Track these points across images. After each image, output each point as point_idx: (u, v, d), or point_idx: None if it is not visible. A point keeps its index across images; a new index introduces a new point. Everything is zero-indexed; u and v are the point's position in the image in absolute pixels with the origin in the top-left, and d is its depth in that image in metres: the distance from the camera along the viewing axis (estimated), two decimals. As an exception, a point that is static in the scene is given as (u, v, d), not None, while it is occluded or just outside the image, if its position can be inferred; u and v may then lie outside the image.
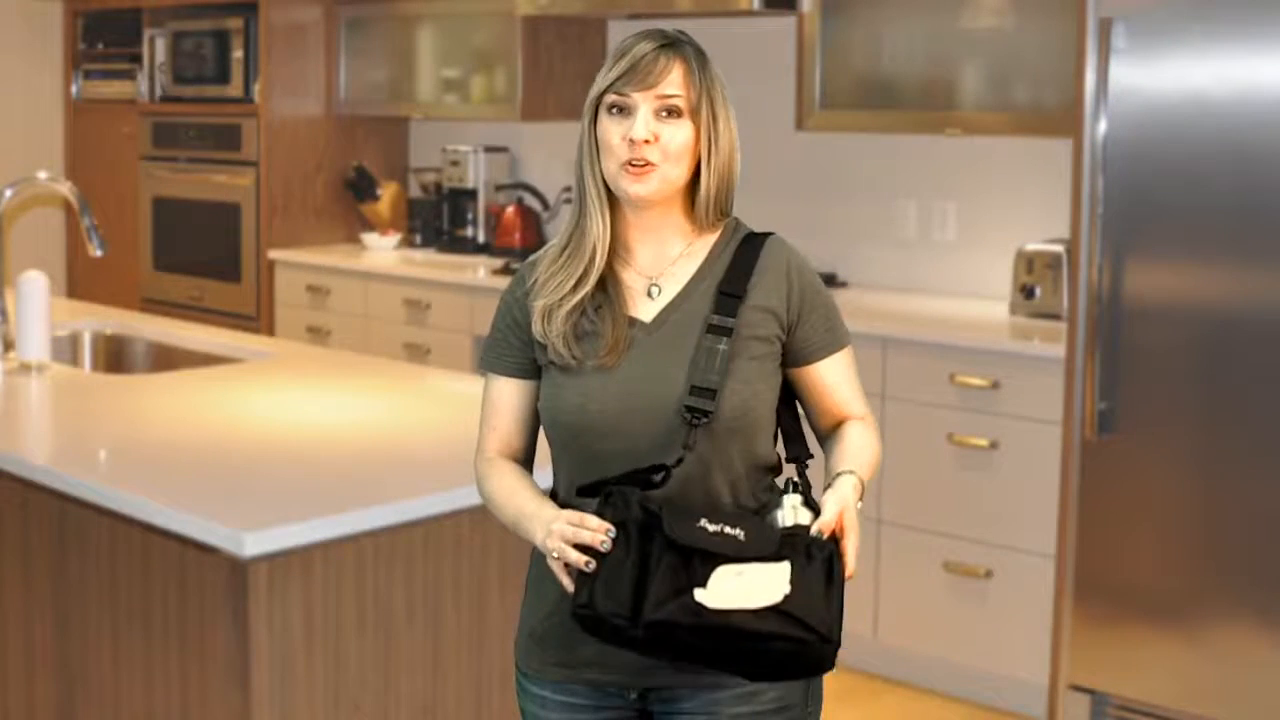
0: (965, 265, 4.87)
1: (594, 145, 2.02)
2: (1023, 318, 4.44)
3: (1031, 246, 4.46)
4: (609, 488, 1.92)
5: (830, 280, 5.06)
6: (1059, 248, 4.38)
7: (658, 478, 1.93)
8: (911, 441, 4.29)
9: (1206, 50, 3.51)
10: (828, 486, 1.99)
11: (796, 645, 1.84)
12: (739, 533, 1.89)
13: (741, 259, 2.05)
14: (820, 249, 5.12)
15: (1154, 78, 3.59)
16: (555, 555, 1.92)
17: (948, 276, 4.92)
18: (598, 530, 1.88)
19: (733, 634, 1.83)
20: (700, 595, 1.83)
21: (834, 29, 4.79)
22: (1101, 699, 3.78)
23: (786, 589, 1.83)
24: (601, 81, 2.00)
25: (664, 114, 1.99)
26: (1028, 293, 4.44)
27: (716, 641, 1.84)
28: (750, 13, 4.85)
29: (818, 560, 1.87)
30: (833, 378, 2.09)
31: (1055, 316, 4.34)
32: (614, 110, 2.00)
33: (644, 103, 1.98)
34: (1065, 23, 4.19)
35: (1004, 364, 4.11)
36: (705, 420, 1.96)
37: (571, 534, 1.90)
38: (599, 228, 2.03)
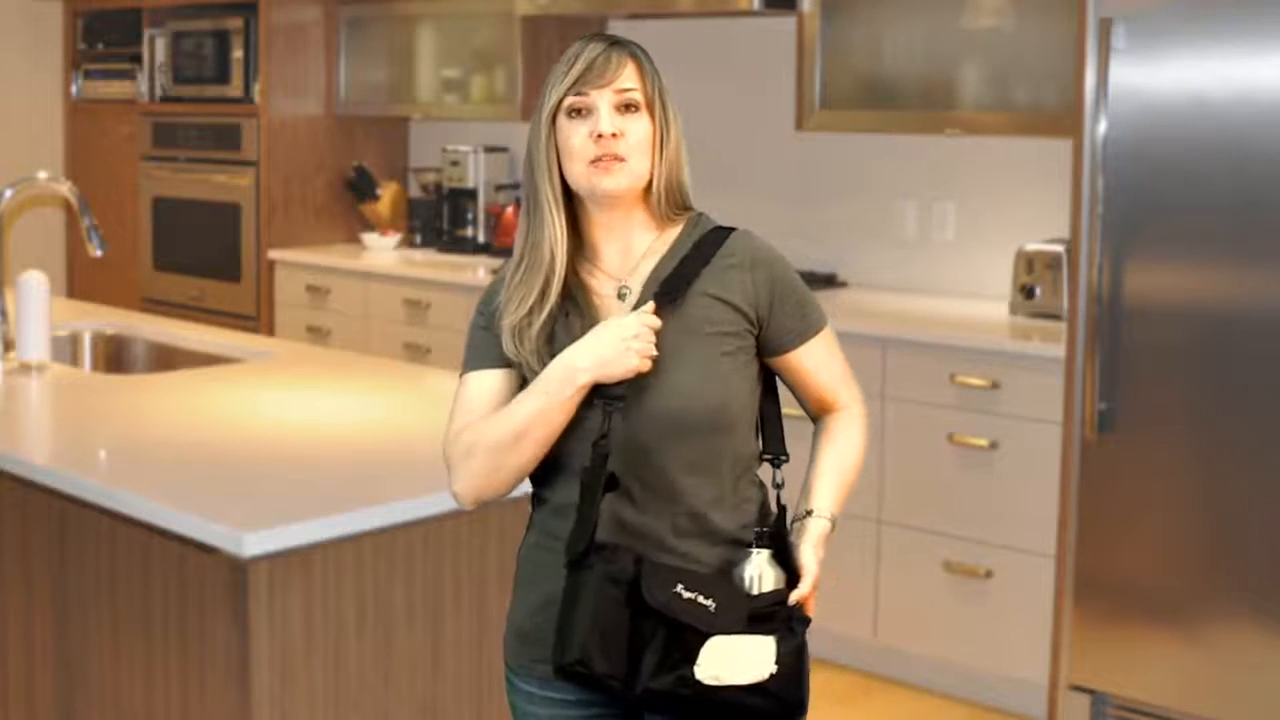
0: (965, 265, 4.87)
1: (552, 153, 2.02)
2: (1023, 318, 4.44)
3: (1031, 246, 4.46)
4: (600, 540, 1.94)
5: (830, 280, 5.06)
6: (1059, 248, 4.38)
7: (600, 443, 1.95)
8: (911, 441, 4.29)
9: (1206, 50, 3.51)
10: (803, 515, 2.04)
11: (767, 717, 1.93)
12: (710, 604, 1.92)
13: (696, 256, 2.05)
14: (820, 249, 5.13)
15: (1154, 78, 3.59)
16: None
17: (948, 276, 4.92)
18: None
19: (719, 705, 1.92)
20: (698, 673, 1.90)
21: (834, 29, 4.78)
22: (1101, 699, 3.78)
23: (773, 668, 1.91)
24: (559, 88, 2.01)
25: (623, 109, 2.01)
26: (1028, 293, 4.44)
27: (701, 707, 1.92)
28: (750, 13, 4.85)
29: (798, 635, 1.94)
30: (813, 362, 2.10)
31: (1055, 316, 4.34)
32: (573, 113, 2.01)
33: (602, 100, 2.00)
34: (1065, 23, 4.19)
35: (1004, 364, 4.11)
36: (619, 406, 1.96)
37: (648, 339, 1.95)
38: (554, 233, 2.02)
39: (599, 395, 1.97)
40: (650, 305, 1.97)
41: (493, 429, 2.01)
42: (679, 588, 1.92)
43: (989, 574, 4.18)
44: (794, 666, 1.91)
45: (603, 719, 2.08)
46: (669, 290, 2.01)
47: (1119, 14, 3.61)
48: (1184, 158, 3.57)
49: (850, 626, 4.43)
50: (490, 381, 2.08)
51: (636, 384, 1.97)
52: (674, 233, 2.09)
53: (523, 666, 2.11)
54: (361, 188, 6.21)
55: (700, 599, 1.92)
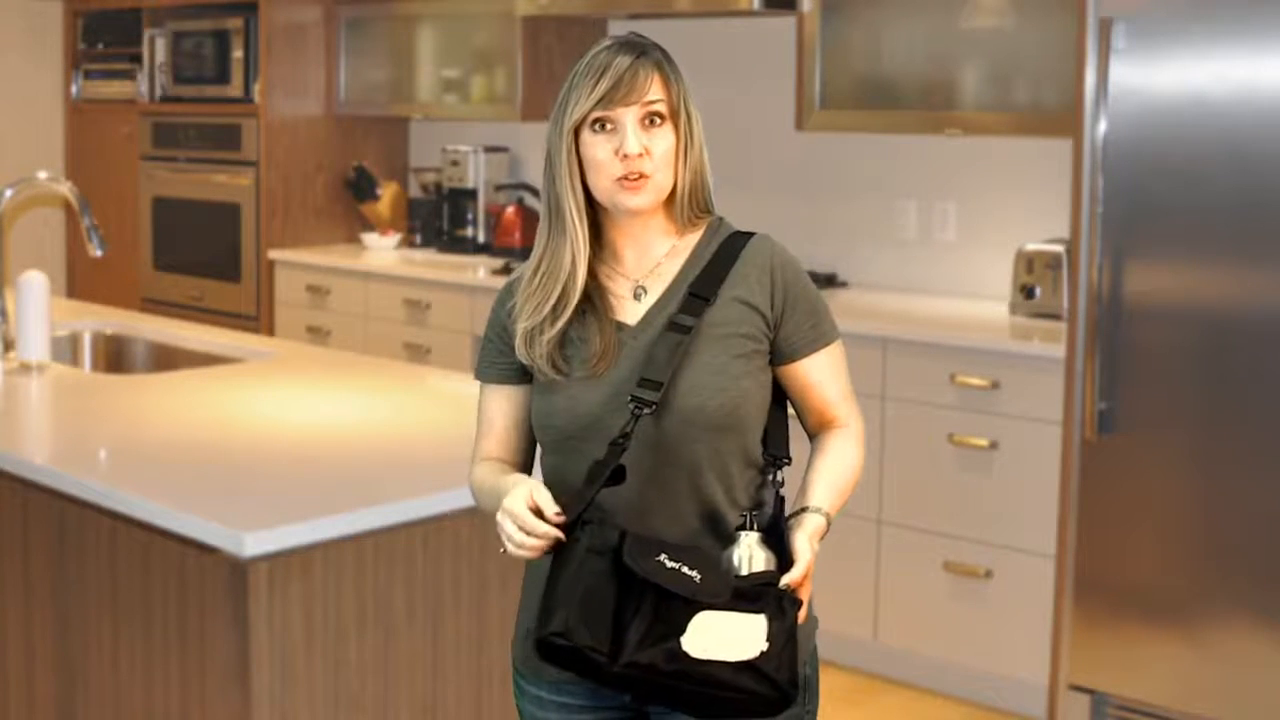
0: (965, 265, 4.87)
1: (574, 163, 2.02)
2: (1023, 318, 4.44)
3: (1031, 246, 4.47)
4: (588, 516, 1.92)
5: (830, 280, 5.06)
6: (1059, 248, 4.38)
7: (609, 473, 1.93)
8: (911, 441, 4.29)
9: (1206, 50, 3.51)
10: (798, 511, 2.02)
11: (759, 701, 1.88)
12: (695, 575, 1.90)
13: (722, 258, 2.06)
14: (820, 249, 5.13)
15: (1154, 78, 3.59)
16: (509, 548, 1.94)
17: (948, 276, 4.92)
18: (545, 533, 1.90)
19: (707, 682, 1.87)
20: (685, 644, 1.86)
21: (834, 29, 4.79)
22: (1101, 699, 3.78)
23: (764, 645, 1.87)
24: (584, 103, 1.99)
25: (648, 122, 2.00)
26: (1028, 293, 4.44)
27: (687, 686, 1.87)
28: (750, 13, 4.85)
29: (789, 616, 1.90)
30: (818, 375, 2.09)
31: (1055, 316, 4.34)
32: (598, 127, 2.00)
33: (629, 115, 1.99)
34: (1065, 23, 4.19)
35: (1004, 364, 4.11)
36: (650, 411, 1.96)
37: (519, 539, 1.92)
38: (577, 241, 2.03)
39: (630, 399, 1.97)
40: (558, 511, 1.93)
41: (477, 489, 2.12)
42: (662, 556, 1.90)
43: (989, 574, 4.18)
44: (785, 647, 1.88)
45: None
46: (700, 292, 2.02)
47: (1119, 14, 3.61)
48: (1184, 158, 3.57)
49: (850, 626, 4.43)
50: (502, 403, 2.13)
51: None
52: (694, 237, 2.09)
53: (531, 670, 2.11)
54: (361, 188, 6.21)
55: (684, 569, 1.89)
